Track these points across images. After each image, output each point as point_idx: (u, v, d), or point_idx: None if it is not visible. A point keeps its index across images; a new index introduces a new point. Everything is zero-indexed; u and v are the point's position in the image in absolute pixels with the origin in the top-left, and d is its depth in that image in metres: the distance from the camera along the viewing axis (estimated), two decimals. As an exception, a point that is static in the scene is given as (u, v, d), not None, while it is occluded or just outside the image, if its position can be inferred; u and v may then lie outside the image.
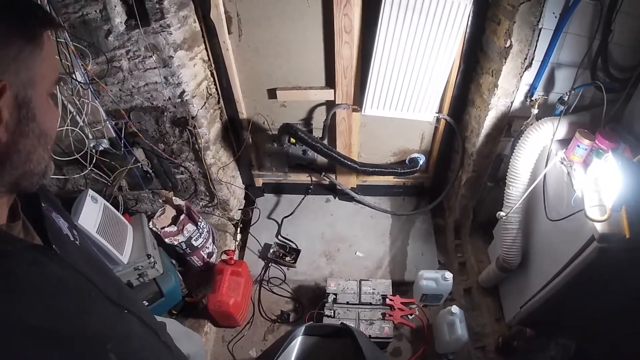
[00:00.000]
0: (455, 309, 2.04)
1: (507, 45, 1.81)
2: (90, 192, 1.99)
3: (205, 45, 2.21)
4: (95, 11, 1.75)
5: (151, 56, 1.90)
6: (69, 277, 0.67)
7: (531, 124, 1.85)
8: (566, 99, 1.74)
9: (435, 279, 2.25)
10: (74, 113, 1.93)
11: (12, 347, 0.50)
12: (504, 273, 2.14)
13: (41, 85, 0.60)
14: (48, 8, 1.57)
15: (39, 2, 1.54)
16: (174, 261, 2.40)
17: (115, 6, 1.76)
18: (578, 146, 1.65)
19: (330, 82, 2.38)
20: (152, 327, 0.86)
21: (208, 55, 2.25)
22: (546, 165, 1.78)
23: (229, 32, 2.20)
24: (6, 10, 0.56)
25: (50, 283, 0.62)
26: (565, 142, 1.76)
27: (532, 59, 1.82)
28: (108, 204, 2.09)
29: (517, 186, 1.89)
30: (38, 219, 0.70)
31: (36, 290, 0.58)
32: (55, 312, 0.59)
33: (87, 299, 0.69)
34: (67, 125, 1.92)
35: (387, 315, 2.24)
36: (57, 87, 1.71)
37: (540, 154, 1.84)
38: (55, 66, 0.66)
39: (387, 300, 2.30)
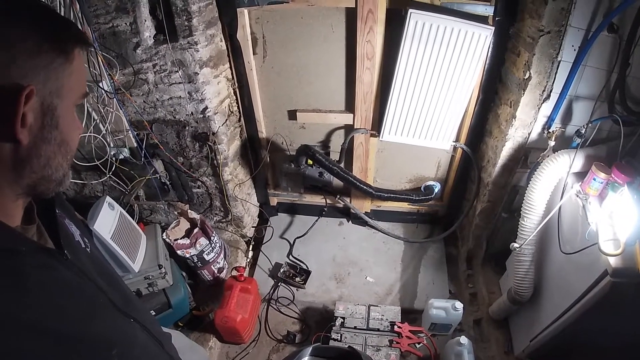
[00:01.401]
0: (464, 339, 2.00)
1: (526, 77, 1.82)
2: (108, 198, 2.03)
3: (230, 64, 2.28)
4: (126, 24, 1.84)
5: (177, 71, 1.97)
6: (78, 282, 0.68)
7: (548, 156, 1.84)
8: (583, 131, 1.74)
9: (445, 308, 2.21)
10: (98, 121, 2.00)
11: (18, 344, 0.51)
12: (515, 305, 2.09)
13: (67, 96, 0.63)
14: (80, 16, 1.65)
15: (71, 14, 1.62)
16: (184, 273, 2.42)
17: (145, 20, 1.84)
18: (594, 179, 1.63)
19: (350, 107, 2.42)
20: (157, 337, 0.87)
21: (232, 74, 2.32)
22: (561, 198, 1.76)
23: (254, 53, 2.26)
24: (41, 23, 0.59)
25: (59, 286, 0.64)
26: (581, 175, 1.75)
27: (551, 91, 1.83)
28: (124, 212, 2.13)
29: (532, 218, 1.88)
30: (52, 224, 0.72)
31: (45, 291, 0.59)
32: (63, 314, 0.61)
33: (95, 305, 0.70)
34: (90, 132, 1.98)
35: (394, 342, 2.21)
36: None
37: (556, 187, 1.83)
38: (84, 81, 0.69)
39: (396, 327, 2.27)
